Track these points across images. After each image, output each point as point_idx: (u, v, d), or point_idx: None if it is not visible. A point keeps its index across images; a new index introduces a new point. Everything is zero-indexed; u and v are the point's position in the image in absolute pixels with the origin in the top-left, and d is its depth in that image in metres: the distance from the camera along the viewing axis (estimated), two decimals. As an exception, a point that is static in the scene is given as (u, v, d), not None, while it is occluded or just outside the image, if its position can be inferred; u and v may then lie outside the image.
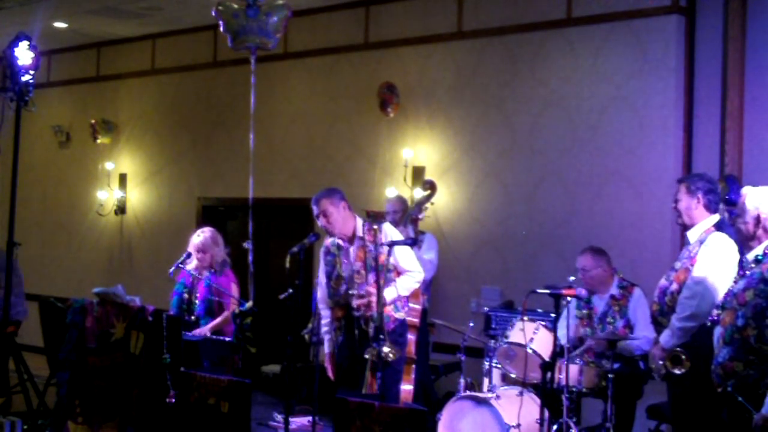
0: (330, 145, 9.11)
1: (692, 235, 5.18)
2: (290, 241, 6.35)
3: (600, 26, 7.41)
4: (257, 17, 5.81)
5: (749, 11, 6.84)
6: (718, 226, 5.11)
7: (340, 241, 5.85)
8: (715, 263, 4.93)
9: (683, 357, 4.77)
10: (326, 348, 5.96)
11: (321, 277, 6.02)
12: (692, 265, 5.00)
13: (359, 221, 5.83)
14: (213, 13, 5.91)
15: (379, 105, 8.53)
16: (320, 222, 5.82)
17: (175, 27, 10.22)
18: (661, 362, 4.97)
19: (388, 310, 5.72)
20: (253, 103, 6.05)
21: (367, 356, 5.49)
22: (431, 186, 7.71)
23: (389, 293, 5.69)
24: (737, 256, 4.83)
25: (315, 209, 5.81)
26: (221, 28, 5.94)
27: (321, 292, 6.02)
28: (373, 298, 5.55)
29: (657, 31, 7.12)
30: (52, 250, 11.58)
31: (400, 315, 5.80)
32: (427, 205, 7.63)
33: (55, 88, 11.65)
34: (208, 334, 6.36)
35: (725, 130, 6.84)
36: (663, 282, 5.19)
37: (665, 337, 5.02)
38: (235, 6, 5.83)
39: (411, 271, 5.80)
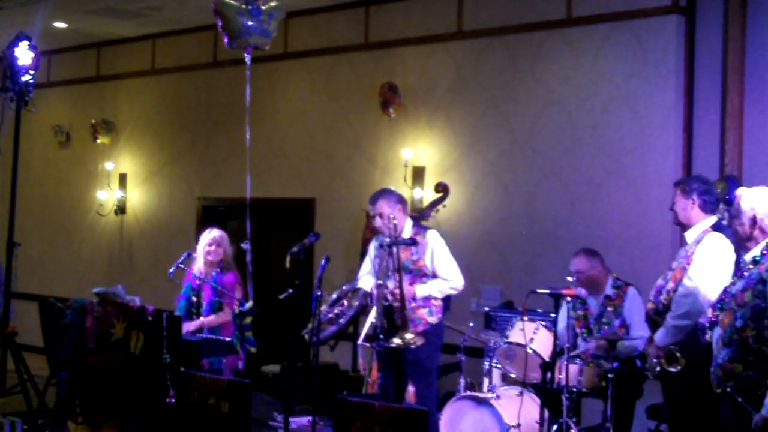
0: (330, 145, 9.11)
1: (690, 235, 5.22)
2: (290, 241, 6.35)
3: (600, 26, 7.40)
4: (260, 17, 5.79)
5: (749, 11, 6.84)
6: (717, 227, 5.13)
7: (390, 238, 5.98)
8: (710, 262, 4.97)
9: (678, 355, 4.80)
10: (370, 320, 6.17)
11: (367, 262, 6.35)
12: (689, 264, 5.05)
13: (409, 223, 6.03)
14: (212, 9, 5.88)
15: (381, 105, 8.52)
16: (376, 222, 6.02)
17: (175, 27, 10.22)
18: (656, 360, 5.00)
19: (422, 312, 5.92)
20: (248, 102, 6.05)
21: (393, 344, 5.67)
22: (444, 189, 7.70)
23: (421, 290, 5.90)
24: (733, 256, 4.86)
25: (371, 209, 6.07)
26: (219, 27, 5.91)
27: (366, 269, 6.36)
28: (397, 292, 5.72)
29: (657, 31, 7.12)
30: (52, 250, 11.58)
31: (432, 319, 5.97)
32: (439, 207, 7.67)
33: (55, 88, 11.65)
34: (199, 329, 6.39)
35: (725, 130, 6.84)
36: (660, 281, 5.24)
37: (660, 336, 5.05)
38: (237, 5, 5.80)
39: (448, 279, 5.98)
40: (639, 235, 7.12)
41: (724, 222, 5.29)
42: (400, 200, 6.06)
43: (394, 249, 5.83)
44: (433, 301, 5.97)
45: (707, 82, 7.02)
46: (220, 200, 10.01)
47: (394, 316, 5.82)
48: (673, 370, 4.82)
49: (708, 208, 5.18)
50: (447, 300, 6.14)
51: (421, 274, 5.94)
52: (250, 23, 5.75)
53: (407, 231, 5.99)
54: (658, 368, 4.97)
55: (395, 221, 5.89)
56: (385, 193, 6.13)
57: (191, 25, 10.09)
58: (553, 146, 7.62)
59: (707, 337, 4.44)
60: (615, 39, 7.33)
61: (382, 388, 6.09)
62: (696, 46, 7.09)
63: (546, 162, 7.64)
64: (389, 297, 5.81)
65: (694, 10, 7.11)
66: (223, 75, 9.97)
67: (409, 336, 5.67)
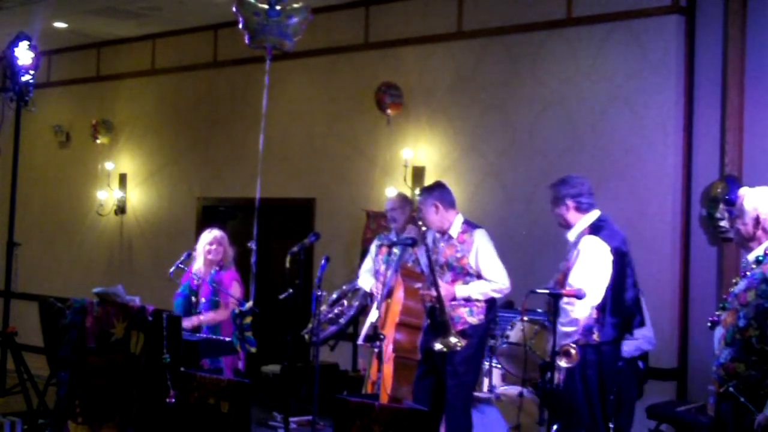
0: (330, 145, 9.11)
1: (571, 236, 5.40)
2: (290, 241, 6.36)
3: (600, 26, 7.40)
4: (278, 18, 5.78)
5: (749, 11, 6.84)
6: (597, 225, 5.28)
7: (438, 234, 5.99)
8: (587, 267, 5.12)
9: (573, 351, 4.98)
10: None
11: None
12: (569, 269, 5.22)
13: (458, 220, 5.95)
14: (233, 9, 5.88)
15: (377, 105, 8.52)
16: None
17: (175, 27, 10.22)
18: (565, 364, 5.14)
19: (462, 311, 5.80)
20: (265, 104, 6.04)
21: (436, 348, 5.57)
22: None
23: (461, 290, 5.79)
24: (609, 256, 5.12)
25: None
26: (240, 25, 5.91)
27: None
28: (433, 293, 5.64)
29: (657, 31, 7.12)
30: (52, 250, 11.58)
31: (472, 320, 5.83)
32: None
33: (55, 88, 11.65)
34: (198, 326, 6.40)
35: (725, 130, 6.84)
36: (550, 283, 5.41)
37: (557, 341, 5.17)
38: (257, 5, 5.80)
39: (492, 280, 5.84)
40: (639, 235, 7.09)
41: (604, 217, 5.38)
42: (438, 198, 5.96)
43: (441, 246, 5.81)
44: (475, 302, 5.83)
45: (707, 82, 7.02)
46: (220, 200, 10.01)
47: (436, 318, 5.74)
48: (565, 364, 5.01)
49: (583, 208, 5.34)
50: (492, 302, 5.94)
51: (465, 273, 5.82)
52: (267, 24, 5.74)
53: (456, 228, 5.91)
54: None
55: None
56: (423, 190, 6.15)
57: (191, 25, 10.09)
58: (553, 146, 7.62)
59: (594, 336, 5.03)
60: (615, 39, 7.33)
61: (416, 395, 5.88)
62: (696, 46, 7.09)
63: (546, 162, 7.63)
64: (427, 298, 5.73)
65: (694, 10, 7.11)
66: (223, 75, 9.97)
67: (453, 339, 5.52)
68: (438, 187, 6.06)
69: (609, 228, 5.28)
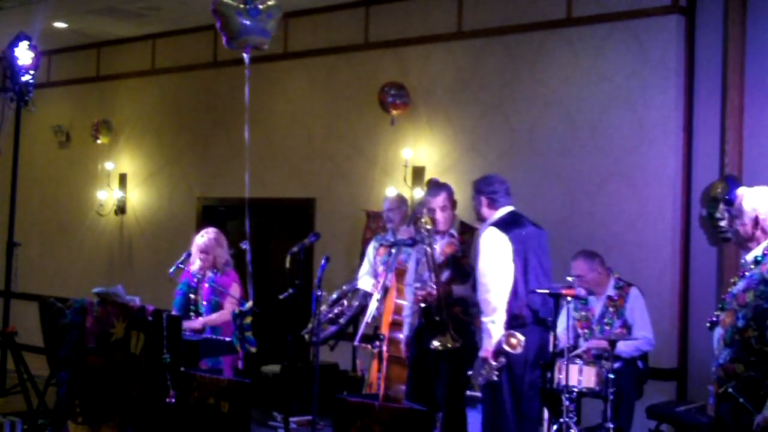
0: (330, 145, 9.11)
1: (482, 230, 5.63)
2: (290, 241, 6.35)
3: (600, 26, 7.40)
4: (258, 17, 5.78)
5: (749, 11, 6.84)
6: (503, 219, 5.52)
7: (437, 236, 5.95)
8: (489, 257, 5.36)
9: (514, 340, 5.18)
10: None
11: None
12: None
13: (456, 220, 5.98)
14: (211, 9, 5.88)
15: (379, 105, 8.51)
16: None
17: (175, 27, 10.22)
18: (495, 362, 5.26)
19: (457, 311, 5.79)
20: (247, 102, 6.04)
21: (433, 347, 5.57)
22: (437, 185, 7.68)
23: (458, 289, 5.80)
24: (507, 244, 5.38)
25: (426, 207, 5.98)
26: (218, 26, 5.91)
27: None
28: (433, 292, 5.63)
29: (657, 31, 7.12)
30: (52, 250, 11.58)
31: (468, 319, 5.81)
32: None
33: (55, 88, 11.65)
34: (202, 327, 6.39)
35: (725, 130, 6.84)
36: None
37: (485, 341, 5.33)
38: (236, 5, 5.80)
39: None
40: (639, 235, 7.12)
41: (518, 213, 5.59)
42: (449, 197, 5.94)
43: (426, 248, 5.78)
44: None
45: (707, 82, 7.02)
46: (220, 200, 10.00)
47: (433, 317, 5.72)
48: (520, 350, 5.19)
49: (494, 205, 5.61)
50: None
51: (463, 272, 5.82)
52: (248, 23, 5.74)
53: (455, 227, 5.91)
54: (494, 375, 5.28)
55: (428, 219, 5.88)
56: (434, 191, 6.04)
57: (191, 25, 10.09)
58: (553, 146, 7.62)
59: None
60: (615, 39, 7.33)
61: (409, 393, 5.90)
62: (696, 46, 7.09)
63: (546, 162, 7.64)
64: (428, 297, 5.72)
65: (694, 10, 7.11)
66: (223, 75, 9.97)
67: (450, 338, 5.52)
68: (448, 185, 6.07)
69: (515, 222, 5.53)
